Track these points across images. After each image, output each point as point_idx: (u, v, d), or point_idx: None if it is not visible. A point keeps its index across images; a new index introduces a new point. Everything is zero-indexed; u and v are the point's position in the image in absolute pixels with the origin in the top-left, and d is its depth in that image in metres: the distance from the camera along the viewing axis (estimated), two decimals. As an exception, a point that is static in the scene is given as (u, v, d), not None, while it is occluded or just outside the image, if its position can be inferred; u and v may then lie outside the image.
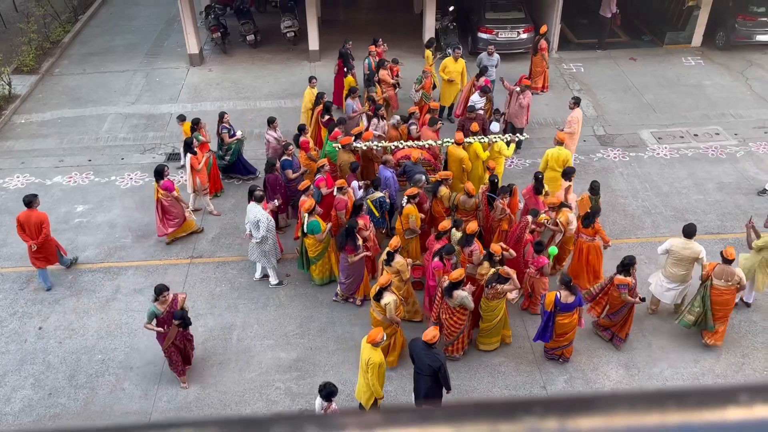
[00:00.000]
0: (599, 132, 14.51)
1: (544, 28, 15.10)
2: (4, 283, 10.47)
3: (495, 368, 9.06)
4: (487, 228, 10.27)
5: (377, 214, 10.22)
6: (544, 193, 10.21)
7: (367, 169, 11.65)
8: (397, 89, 14.08)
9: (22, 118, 15.14)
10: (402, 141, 11.54)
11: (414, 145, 11.36)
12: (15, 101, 15.49)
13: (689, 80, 16.60)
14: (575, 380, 8.88)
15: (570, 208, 9.94)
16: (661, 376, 8.93)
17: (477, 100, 12.83)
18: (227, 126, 12.13)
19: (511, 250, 9.17)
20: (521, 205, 10.77)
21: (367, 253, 9.56)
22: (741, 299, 9.66)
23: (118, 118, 15.05)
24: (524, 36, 16.95)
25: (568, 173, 10.50)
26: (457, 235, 9.43)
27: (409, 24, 19.34)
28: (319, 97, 12.68)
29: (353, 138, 11.10)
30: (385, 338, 7.61)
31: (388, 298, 8.27)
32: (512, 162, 13.23)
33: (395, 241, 8.93)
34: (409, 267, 9.17)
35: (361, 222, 9.45)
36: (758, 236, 9.36)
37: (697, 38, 18.07)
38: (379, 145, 11.33)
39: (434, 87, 14.19)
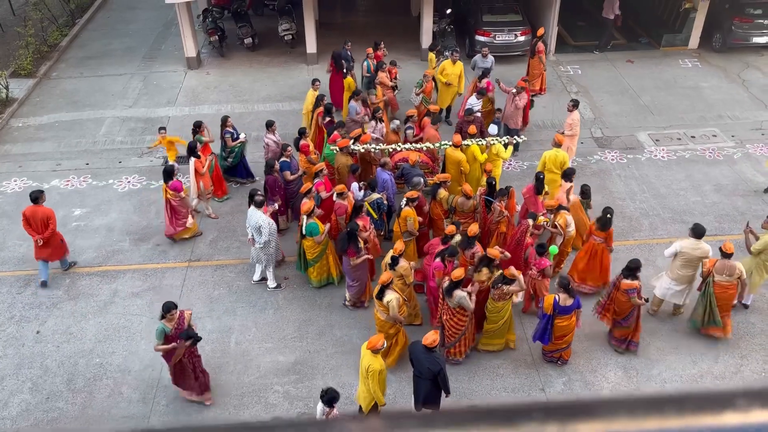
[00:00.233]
0: (597, 134, 14.54)
1: (541, 31, 15.14)
2: (2, 287, 10.44)
3: (493, 371, 9.05)
4: (485, 231, 10.28)
5: (375, 216, 10.23)
6: (543, 193, 10.23)
7: (365, 171, 11.65)
8: (396, 92, 14.10)
9: (19, 121, 15.13)
10: (400, 144, 11.55)
11: (412, 147, 11.37)
12: (12, 105, 15.49)
13: (686, 82, 16.66)
14: (574, 382, 8.88)
15: (568, 210, 9.96)
16: (659, 378, 8.94)
17: (474, 102, 12.84)
18: (230, 130, 12.12)
19: (506, 252, 9.18)
20: (518, 207, 10.79)
21: (369, 256, 9.56)
22: (739, 301, 9.69)
23: (116, 122, 15.04)
24: (521, 39, 16.99)
25: (569, 174, 10.51)
26: (457, 237, 9.43)
27: (406, 27, 19.38)
28: (320, 99, 12.64)
29: (351, 141, 11.11)
30: (385, 345, 7.60)
31: (390, 296, 8.27)
32: (510, 164, 13.24)
33: (400, 245, 8.93)
34: (413, 271, 9.17)
35: (361, 223, 9.46)
36: (757, 238, 9.39)
37: (694, 40, 18.15)
38: (377, 147, 11.34)
39: (436, 90, 14.21)
